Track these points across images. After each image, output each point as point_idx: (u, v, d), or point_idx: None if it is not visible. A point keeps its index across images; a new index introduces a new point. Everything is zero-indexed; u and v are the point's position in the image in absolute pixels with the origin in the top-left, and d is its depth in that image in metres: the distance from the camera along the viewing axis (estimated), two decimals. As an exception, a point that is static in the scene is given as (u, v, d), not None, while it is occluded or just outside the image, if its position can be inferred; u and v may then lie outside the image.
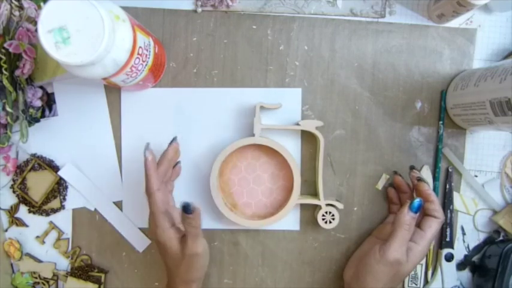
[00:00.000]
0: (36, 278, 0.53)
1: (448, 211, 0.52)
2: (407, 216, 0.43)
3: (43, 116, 0.53)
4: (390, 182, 0.52)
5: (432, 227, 0.45)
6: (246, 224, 0.49)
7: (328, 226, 0.50)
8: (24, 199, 0.53)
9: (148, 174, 0.45)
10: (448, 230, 0.52)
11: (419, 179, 0.47)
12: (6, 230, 0.54)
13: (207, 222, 0.53)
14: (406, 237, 0.44)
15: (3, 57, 0.47)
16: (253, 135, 0.49)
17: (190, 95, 0.53)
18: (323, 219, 0.50)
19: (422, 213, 0.46)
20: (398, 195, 0.51)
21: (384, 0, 0.52)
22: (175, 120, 0.53)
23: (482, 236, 0.53)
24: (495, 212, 0.53)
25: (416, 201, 0.44)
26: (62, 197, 0.53)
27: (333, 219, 0.50)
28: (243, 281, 0.54)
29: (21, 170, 0.53)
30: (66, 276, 0.53)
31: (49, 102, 0.53)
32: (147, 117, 0.53)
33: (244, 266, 0.54)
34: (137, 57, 0.41)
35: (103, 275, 0.53)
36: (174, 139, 0.49)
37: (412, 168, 0.49)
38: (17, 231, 0.54)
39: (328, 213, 0.50)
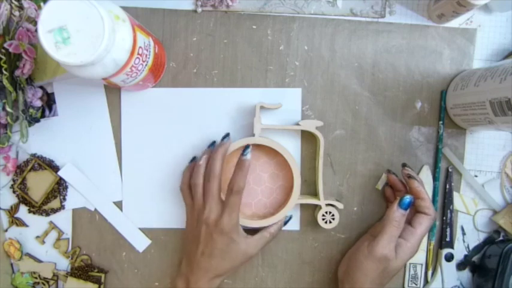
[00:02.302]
0: (36, 278, 0.53)
1: (448, 211, 0.52)
2: (397, 213, 0.44)
3: (43, 116, 0.53)
4: (387, 182, 0.52)
5: (423, 224, 0.45)
6: (246, 224, 0.49)
7: (328, 226, 0.50)
8: (24, 199, 0.53)
9: (218, 158, 0.46)
10: (448, 230, 0.52)
11: (410, 176, 0.47)
12: (6, 230, 0.54)
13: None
14: (395, 233, 0.44)
15: (3, 57, 0.47)
16: (253, 135, 0.49)
17: (190, 95, 0.53)
18: (323, 219, 0.50)
19: (414, 210, 0.46)
20: (395, 193, 0.51)
21: (384, 0, 0.52)
22: (176, 120, 0.53)
23: (482, 236, 0.53)
24: (495, 212, 0.53)
25: (406, 198, 0.44)
26: (62, 197, 0.53)
27: (333, 219, 0.50)
28: (243, 280, 0.54)
29: (21, 170, 0.53)
30: (66, 276, 0.53)
31: (49, 102, 0.53)
32: (147, 118, 0.53)
33: (244, 266, 0.54)
34: (137, 57, 0.41)
35: (103, 275, 0.53)
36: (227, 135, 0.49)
37: (403, 165, 0.49)
38: (17, 231, 0.54)
39: (328, 213, 0.50)
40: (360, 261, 0.45)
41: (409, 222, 0.46)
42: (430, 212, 0.45)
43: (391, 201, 0.52)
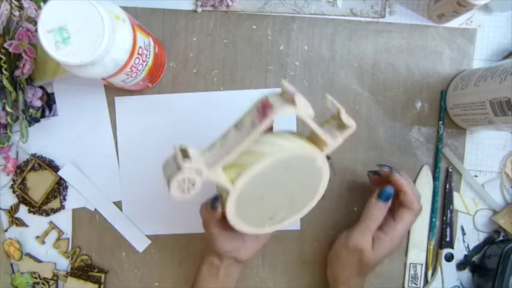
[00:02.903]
0: (36, 278, 0.53)
1: (448, 211, 0.52)
2: (375, 205, 0.43)
3: (43, 116, 0.53)
4: (370, 171, 0.49)
5: (404, 218, 0.44)
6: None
7: (185, 196, 0.34)
8: (24, 199, 0.53)
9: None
10: (448, 230, 0.52)
11: (391, 169, 0.45)
12: (6, 230, 0.54)
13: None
14: (371, 226, 0.43)
15: (3, 57, 0.47)
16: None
17: (186, 99, 0.52)
18: (179, 186, 0.34)
19: (399, 203, 0.45)
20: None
21: (384, 0, 0.52)
22: (171, 124, 0.52)
23: (482, 236, 0.53)
24: (495, 212, 0.53)
25: (387, 189, 0.43)
26: (62, 197, 0.53)
27: (193, 185, 0.34)
28: (243, 281, 0.54)
29: (21, 170, 0.53)
30: (66, 276, 0.53)
31: (49, 102, 0.53)
32: (141, 122, 0.53)
33: (244, 266, 0.54)
34: (137, 57, 0.41)
35: (103, 275, 0.53)
36: None
37: (379, 167, 0.47)
38: (17, 231, 0.54)
39: (187, 180, 0.34)
40: (338, 250, 0.46)
41: (393, 215, 0.45)
42: (413, 206, 0.44)
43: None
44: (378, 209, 0.43)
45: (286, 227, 0.42)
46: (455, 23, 0.52)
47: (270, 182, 0.36)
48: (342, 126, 0.38)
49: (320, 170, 0.38)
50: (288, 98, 0.33)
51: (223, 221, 0.39)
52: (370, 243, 0.43)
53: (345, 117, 0.37)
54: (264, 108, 0.33)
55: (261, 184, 0.36)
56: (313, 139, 0.38)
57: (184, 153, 0.34)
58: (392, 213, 0.45)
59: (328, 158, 0.41)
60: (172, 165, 0.34)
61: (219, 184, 0.35)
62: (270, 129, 0.41)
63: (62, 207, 0.53)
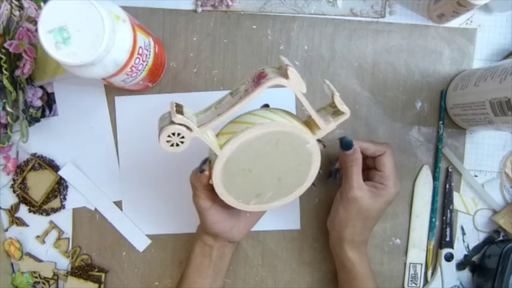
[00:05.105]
0: (36, 277, 0.54)
1: (448, 211, 0.52)
2: (343, 155, 0.44)
3: (43, 115, 0.53)
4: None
5: (385, 163, 0.45)
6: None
7: (174, 150, 0.36)
8: (24, 199, 0.53)
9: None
10: (448, 229, 0.52)
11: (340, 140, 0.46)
12: (6, 230, 0.54)
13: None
14: (353, 171, 0.43)
15: (3, 57, 0.47)
16: None
17: (187, 99, 0.52)
18: (168, 141, 0.36)
19: (373, 160, 0.46)
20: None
21: (384, 0, 0.52)
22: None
23: (482, 236, 0.53)
24: (495, 212, 0.53)
25: (343, 138, 0.44)
26: (62, 197, 0.53)
27: (182, 142, 0.36)
28: (243, 280, 0.54)
29: (21, 170, 0.53)
30: (67, 276, 0.53)
31: (49, 102, 0.53)
32: (141, 122, 0.52)
33: (244, 266, 0.54)
34: (137, 57, 0.41)
35: (103, 275, 0.53)
36: None
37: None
38: (17, 231, 0.54)
39: (176, 134, 0.35)
40: (336, 207, 0.46)
41: (375, 167, 0.46)
42: (382, 150, 0.45)
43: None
44: (348, 156, 0.44)
45: (272, 208, 0.42)
46: (455, 23, 0.52)
47: (258, 155, 0.37)
48: (337, 113, 0.38)
49: (310, 153, 0.39)
50: (282, 72, 0.34)
51: (213, 195, 0.40)
52: (364, 191, 0.44)
53: (339, 102, 0.37)
54: (258, 78, 0.35)
55: (250, 155, 0.37)
56: (308, 123, 0.39)
57: (179, 110, 0.35)
58: (374, 166, 0.46)
59: (323, 146, 0.42)
60: (166, 119, 0.35)
61: (208, 144, 0.36)
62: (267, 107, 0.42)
63: (62, 206, 0.53)
